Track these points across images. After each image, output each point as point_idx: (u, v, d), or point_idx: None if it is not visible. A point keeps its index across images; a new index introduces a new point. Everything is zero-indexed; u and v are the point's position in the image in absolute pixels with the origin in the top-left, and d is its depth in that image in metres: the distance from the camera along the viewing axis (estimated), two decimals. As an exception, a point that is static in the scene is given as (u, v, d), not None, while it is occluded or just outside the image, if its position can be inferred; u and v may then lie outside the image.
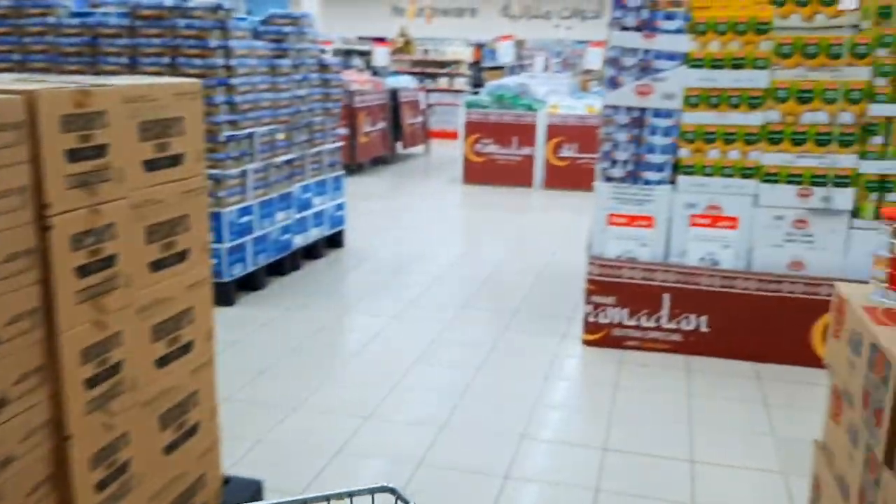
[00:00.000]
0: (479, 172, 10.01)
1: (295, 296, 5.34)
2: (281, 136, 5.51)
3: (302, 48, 5.77)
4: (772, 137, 4.18)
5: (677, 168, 4.36)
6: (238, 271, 5.13)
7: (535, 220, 8.33)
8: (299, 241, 5.86)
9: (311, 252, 6.15)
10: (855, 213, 4.15)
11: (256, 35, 5.53)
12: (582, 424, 3.65)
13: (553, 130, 9.77)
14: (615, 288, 4.45)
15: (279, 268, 5.69)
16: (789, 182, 4.19)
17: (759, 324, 4.28)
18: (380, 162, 11.53)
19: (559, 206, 8.84)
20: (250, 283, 5.34)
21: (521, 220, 8.27)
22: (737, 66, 4.18)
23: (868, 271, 4.12)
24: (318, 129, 6.10)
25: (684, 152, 4.32)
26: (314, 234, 6.09)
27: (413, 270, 6.06)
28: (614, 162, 4.45)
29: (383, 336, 4.63)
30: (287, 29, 5.64)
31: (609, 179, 4.47)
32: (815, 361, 4.23)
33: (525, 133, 9.87)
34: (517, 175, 9.89)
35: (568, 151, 9.76)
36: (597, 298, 4.50)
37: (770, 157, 4.20)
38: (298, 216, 5.82)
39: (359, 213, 7.69)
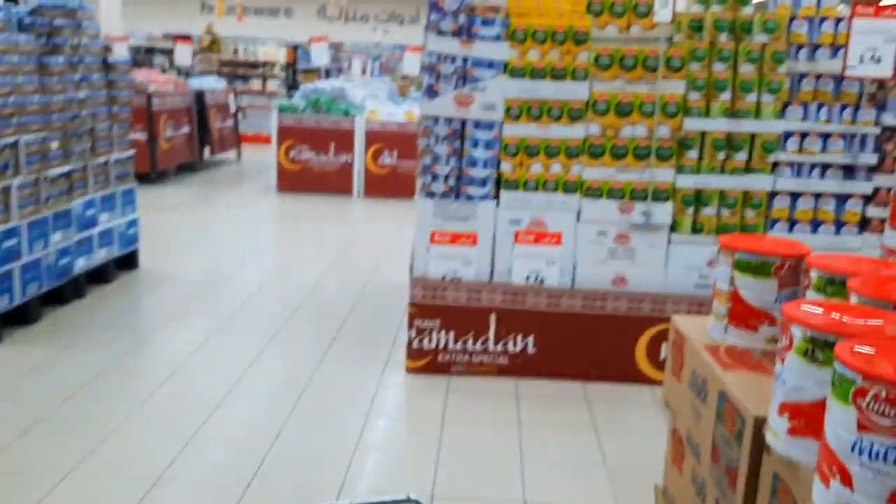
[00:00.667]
0: (294, 180, 9.47)
1: (75, 329, 4.61)
2: (55, 145, 4.75)
3: (79, 44, 5.03)
4: (593, 151, 4.06)
5: (500, 183, 4.14)
6: (3, 304, 4.34)
7: (355, 231, 7.94)
8: (82, 264, 5.11)
9: (99, 276, 5.40)
10: (673, 227, 4.11)
11: (21, 27, 4.74)
12: (407, 469, 3.30)
13: (372, 137, 9.44)
14: (439, 311, 4.16)
15: (58, 296, 4.92)
16: (611, 197, 4.08)
17: (586, 342, 4.15)
18: (186, 169, 10.67)
19: (381, 216, 8.51)
20: (20, 316, 4.55)
21: (340, 231, 7.85)
22: (557, 77, 4.02)
23: (688, 285, 4.10)
24: (104, 137, 5.36)
25: (507, 166, 4.11)
26: (101, 255, 5.34)
27: (219, 294, 5.48)
28: (435, 176, 4.15)
29: (180, 376, 4.06)
30: (60, 21, 4.88)
31: (430, 195, 4.17)
32: (640, 377, 4.17)
33: (343, 139, 9.46)
34: (335, 183, 9.46)
35: (388, 159, 9.46)
36: (420, 322, 4.18)
37: (591, 172, 4.08)
38: (80, 236, 5.06)
39: (159, 229, 6.94)
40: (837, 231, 4.07)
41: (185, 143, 10.39)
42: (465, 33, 4.07)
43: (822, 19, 4.10)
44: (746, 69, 3.97)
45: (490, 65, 4.06)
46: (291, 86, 14.80)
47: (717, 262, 2.13)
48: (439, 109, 4.10)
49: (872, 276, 1.70)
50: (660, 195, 4.06)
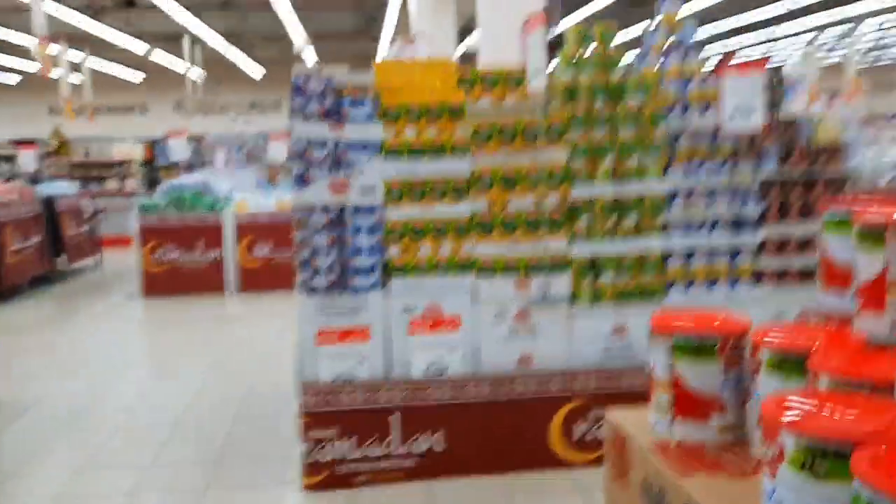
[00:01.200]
0: (161, 283, 8.83)
1: None
2: None
3: None
4: (482, 227, 3.85)
5: (388, 269, 3.85)
6: None
7: (232, 333, 7.39)
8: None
9: (-67, 421, 4.65)
10: (572, 298, 3.94)
11: None
12: None
13: (243, 229, 8.97)
14: (335, 417, 3.77)
15: None
16: (506, 273, 3.87)
17: (497, 431, 3.85)
18: (40, 282, 9.77)
19: (259, 313, 8.00)
20: None
21: (215, 335, 7.28)
22: (436, 154, 3.82)
23: (595, 357, 3.91)
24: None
25: (394, 251, 3.83)
26: (-66, 396, 4.61)
27: (83, 424, 4.84)
28: (316, 270, 3.82)
29: (37, 533, 3.45)
30: None
31: (312, 291, 3.82)
32: (557, 462, 3.90)
33: (211, 235, 8.95)
34: (206, 282, 8.89)
35: (262, 250, 9.01)
36: (314, 433, 3.77)
37: (483, 249, 3.86)
38: None
39: (10, 353, 6.17)
40: (732, 286, 4.02)
41: (35, 255, 9.54)
42: (333, 116, 3.82)
43: (688, 80, 4.13)
44: (626, 132, 3.91)
45: (364, 147, 3.81)
46: (152, 183, 14.10)
47: (651, 347, 1.90)
48: (314, 198, 3.80)
49: (834, 349, 1.51)
50: (555, 267, 3.89)
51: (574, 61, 4.10)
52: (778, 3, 14.31)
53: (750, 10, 15.04)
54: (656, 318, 1.93)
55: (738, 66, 3.88)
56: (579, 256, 3.90)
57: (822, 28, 17.91)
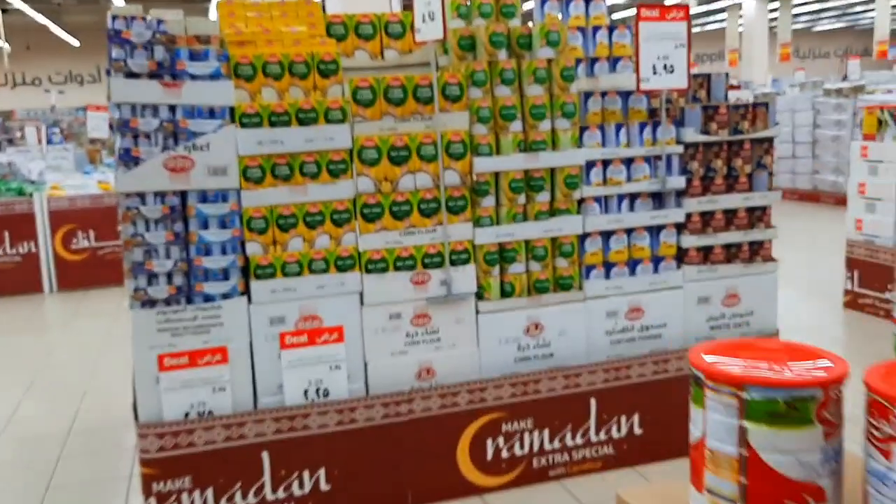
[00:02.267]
0: (-41, 286, 7.37)
1: None
2: None
3: None
4: (368, 213, 3.09)
5: (249, 271, 3.01)
6: None
7: (52, 343, 6.18)
8: None
9: None
10: (479, 294, 3.27)
11: None
12: None
13: (59, 217, 7.65)
14: (188, 463, 2.91)
15: None
16: (399, 268, 3.14)
17: (394, 460, 3.14)
18: None
19: (84, 315, 6.80)
20: None
21: (31, 346, 6.05)
22: (306, 121, 3.01)
23: (508, 362, 3.26)
24: None
25: (255, 247, 3.00)
26: None
27: None
28: (153, 276, 2.91)
29: None
30: None
31: (149, 303, 2.92)
32: (467, 488, 3.25)
33: (21, 225, 7.56)
34: (18, 281, 7.52)
35: (84, 241, 7.73)
36: (161, 486, 2.90)
37: (369, 240, 3.11)
38: None
39: None
40: (656, 269, 3.50)
41: None
42: (167, 72, 2.91)
43: (595, 29, 3.55)
44: (535, 91, 3.26)
45: (211, 113, 2.93)
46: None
47: (706, 403, 1.24)
48: (144, 182, 2.88)
49: None
50: (458, 258, 3.20)
51: (465, 7, 3.40)
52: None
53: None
54: (695, 355, 1.28)
55: (660, 10, 3.32)
56: (485, 243, 3.23)
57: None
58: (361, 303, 3.12)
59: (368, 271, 3.10)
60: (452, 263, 3.18)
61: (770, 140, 3.61)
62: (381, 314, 3.13)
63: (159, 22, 2.89)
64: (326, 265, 3.05)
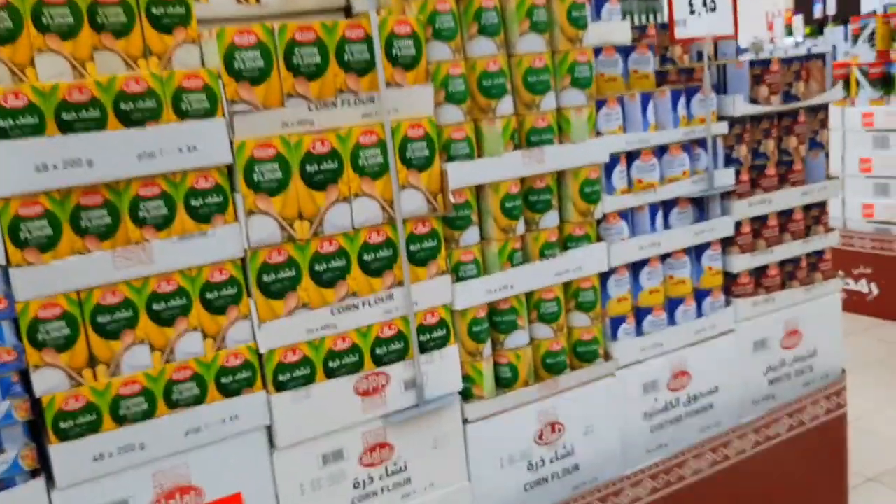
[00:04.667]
0: None
1: None
2: None
3: None
4: (270, 282, 1.67)
5: (44, 425, 1.51)
6: None
7: None
8: None
9: None
10: (465, 392, 1.96)
11: None
12: None
13: None
14: None
15: None
16: (334, 373, 1.76)
17: None
18: None
19: None
20: None
21: None
22: (135, 117, 1.52)
23: (509, 497, 1.95)
24: None
25: (50, 378, 1.50)
26: None
27: None
28: None
29: None
30: None
31: None
32: None
33: None
34: None
35: None
36: None
37: (277, 330, 1.69)
38: None
39: None
40: (699, 310, 2.34)
41: None
42: None
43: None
44: (531, 45, 1.95)
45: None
46: None
47: None
48: None
49: None
50: (431, 338, 1.86)
51: None
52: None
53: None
54: None
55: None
56: (471, 307, 1.91)
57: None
58: (271, 445, 1.71)
59: (280, 387, 1.69)
60: (423, 350, 1.84)
61: (825, 108, 2.54)
62: (309, 460, 1.74)
63: None
64: (200, 389, 1.60)
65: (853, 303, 4.77)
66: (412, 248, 1.80)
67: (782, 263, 2.50)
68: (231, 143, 1.58)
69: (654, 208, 2.21)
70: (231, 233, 1.60)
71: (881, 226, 4.68)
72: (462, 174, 1.84)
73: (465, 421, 1.94)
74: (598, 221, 2.13)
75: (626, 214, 2.17)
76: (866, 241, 4.73)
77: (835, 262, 2.72)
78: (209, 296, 1.60)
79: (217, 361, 1.62)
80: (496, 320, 1.98)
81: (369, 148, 1.71)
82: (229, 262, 1.62)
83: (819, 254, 2.57)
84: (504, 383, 2.01)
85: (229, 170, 1.61)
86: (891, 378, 3.86)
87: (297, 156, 1.63)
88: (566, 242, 2.07)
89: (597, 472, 2.14)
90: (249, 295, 1.65)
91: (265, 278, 1.64)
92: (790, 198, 2.45)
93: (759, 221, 2.44)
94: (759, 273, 2.46)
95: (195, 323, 1.60)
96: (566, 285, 2.09)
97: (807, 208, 2.53)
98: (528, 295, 2.03)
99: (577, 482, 2.12)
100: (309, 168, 1.65)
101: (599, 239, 2.12)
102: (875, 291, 4.72)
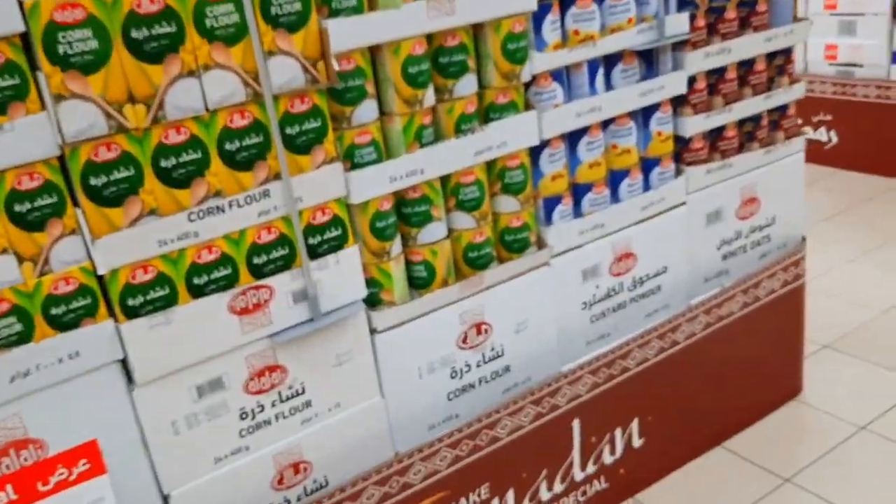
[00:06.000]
0: None
1: None
2: None
3: None
4: (97, 184, 1.31)
5: None
6: None
7: None
8: None
9: None
10: (371, 298, 1.66)
11: None
12: None
13: None
14: None
15: None
16: (202, 291, 1.44)
17: None
18: None
19: None
20: None
21: None
22: None
23: (433, 409, 1.71)
24: None
25: None
26: None
27: None
28: None
29: None
30: None
31: None
32: None
33: None
34: None
35: None
36: None
37: (120, 244, 1.35)
38: None
39: None
40: (647, 183, 2.04)
41: None
42: None
43: None
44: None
45: None
46: None
47: None
48: None
49: None
50: (323, 239, 1.54)
51: None
52: None
53: None
54: None
55: None
56: (372, 198, 1.58)
57: None
58: (130, 381, 1.41)
59: (132, 313, 1.37)
60: (313, 255, 1.52)
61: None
62: (179, 394, 1.45)
63: None
64: (23, 324, 1.28)
65: (810, 152, 4.51)
66: (289, 131, 1.43)
67: (741, 123, 2.19)
68: (20, 2, 1.17)
69: (593, 66, 1.85)
70: (35, 125, 1.22)
71: (844, 68, 4.36)
72: (349, 33, 1.45)
73: (373, 331, 1.66)
74: (527, 85, 1.77)
75: (560, 75, 1.81)
76: (827, 86, 4.43)
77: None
78: (18, 208, 1.24)
79: (41, 289, 1.28)
80: (405, 212, 1.66)
81: (218, 4, 1.31)
82: (41, 164, 1.25)
83: (782, 109, 2.25)
84: (419, 284, 1.72)
85: (25, 41, 1.21)
86: (849, 233, 3.68)
87: (116, 17, 1.23)
88: (487, 113, 1.71)
89: (530, 371, 1.91)
90: (76, 204, 1.30)
91: (93, 181, 1.28)
92: (752, 45, 2.10)
93: (716, 75, 2.10)
94: (715, 135, 2.15)
95: (3, 243, 1.25)
96: (489, 165, 1.75)
97: (770, 56, 2.19)
98: (444, 179, 1.69)
99: (509, 384, 1.88)
100: (135, 33, 1.25)
101: (528, 107, 1.77)
102: (834, 140, 4.47)
